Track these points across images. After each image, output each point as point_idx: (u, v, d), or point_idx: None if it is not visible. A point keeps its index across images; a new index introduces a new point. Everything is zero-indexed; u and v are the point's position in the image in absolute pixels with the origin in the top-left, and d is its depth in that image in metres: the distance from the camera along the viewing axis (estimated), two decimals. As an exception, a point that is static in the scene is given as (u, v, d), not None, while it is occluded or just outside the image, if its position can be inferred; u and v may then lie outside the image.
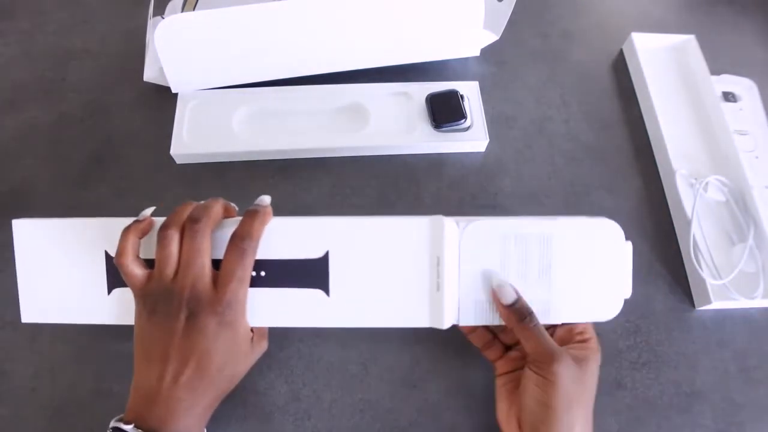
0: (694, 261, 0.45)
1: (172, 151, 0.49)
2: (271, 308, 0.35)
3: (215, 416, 0.40)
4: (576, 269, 0.36)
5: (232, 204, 0.37)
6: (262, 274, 0.35)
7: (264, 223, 0.34)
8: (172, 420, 0.32)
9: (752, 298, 0.44)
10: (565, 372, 0.33)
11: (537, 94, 0.57)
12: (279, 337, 0.43)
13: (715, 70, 0.56)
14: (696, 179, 0.49)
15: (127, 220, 0.35)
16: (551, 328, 0.37)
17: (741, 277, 0.44)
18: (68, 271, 0.37)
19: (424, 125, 0.52)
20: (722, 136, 0.51)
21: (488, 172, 0.52)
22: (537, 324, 0.35)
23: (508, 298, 0.35)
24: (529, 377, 0.34)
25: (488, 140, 0.52)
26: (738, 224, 0.48)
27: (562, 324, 0.37)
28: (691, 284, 0.46)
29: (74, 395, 0.40)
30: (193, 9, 0.54)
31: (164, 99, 0.52)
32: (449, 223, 0.35)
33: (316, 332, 0.43)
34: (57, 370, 0.41)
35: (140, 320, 0.34)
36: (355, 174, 0.51)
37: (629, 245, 0.36)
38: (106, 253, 0.36)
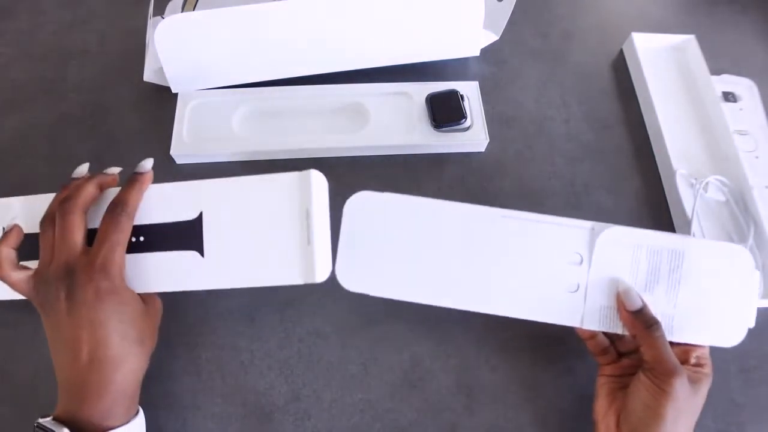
0: (694, 261, 0.45)
1: (172, 151, 0.49)
2: (148, 273, 0.35)
3: (216, 415, 0.40)
4: (704, 290, 0.36)
5: (114, 169, 0.39)
6: (141, 239, 0.36)
7: (141, 190, 0.35)
8: (88, 403, 0.32)
9: (752, 298, 0.44)
10: (681, 387, 0.33)
11: (537, 94, 0.57)
12: (279, 337, 0.43)
13: (715, 70, 0.56)
14: (696, 179, 0.49)
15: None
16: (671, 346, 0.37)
17: (741, 277, 0.44)
18: None
19: (424, 125, 0.52)
20: (722, 136, 0.51)
21: (488, 172, 0.52)
22: (662, 334, 0.35)
23: (635, 304, 0.35)
24: (643, 382, 0.34)
25: (488, 140, 0.52)
26: (738, 224, 0.48)
27: (683, 344, 0.37)
28: (691, 284, 0.46)
29: (74, 395, 0.40)
30: (193, 9, 0.54)
31: (164, 99, 0.52)
32: (316, 174, 0.35)
33: (316, 332, 0.43)
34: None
35: (43, 319, 0.34)
36: (355, 174, 0.51)
37: (758, 275, 0.37)
38: None
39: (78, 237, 0.33)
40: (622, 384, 0.37)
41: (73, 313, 0.32)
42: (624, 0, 0.66)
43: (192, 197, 0.36)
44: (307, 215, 0.34)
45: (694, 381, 0.35)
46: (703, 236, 0.47)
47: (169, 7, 0.56)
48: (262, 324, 0.43)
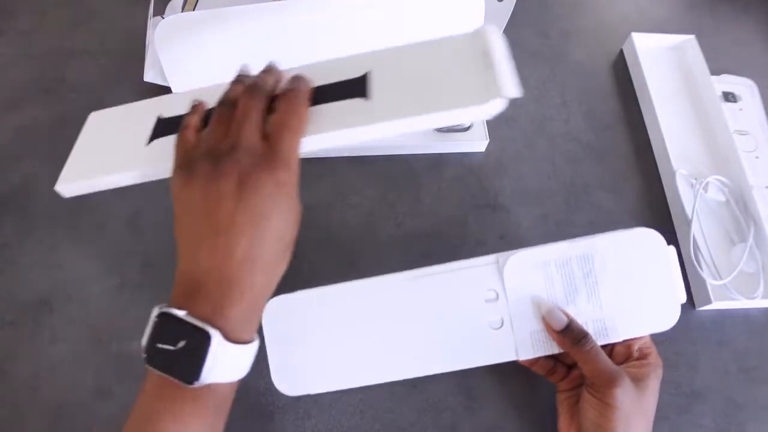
0: (694, 261, 0.45)
1: (172, 151, 0.49)
2: (312, 126, 0.31)
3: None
4: (623, 283, 0.36)
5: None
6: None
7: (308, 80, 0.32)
8: (228, 305, 0.27)
9: (752, 298, 0.44)
10: (624, 395, 0.33)
11: (537, 94, 0.57)
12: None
13: (715, 70, 0.56)
14: (696, 179, 0.49)
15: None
16: (609, 346, 0.37)
17: (741, 277, 0.44)
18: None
19: (424, 125, 0.52)
20: (722, 136, 0.51)
21: (488, 172, 0.52)
22: (593, 346, 0.34)
23: (560, 323, 0.35)
24: (587, 400, 0.34)
25: (488, 140, 0.52)
26: (738, 224, 0.48)
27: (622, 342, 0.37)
28: (691, 284, 0.46)
29: (74, 395, 0.40)
30: (194, 9, 0.54)
31: (164, 99, 0.52)
32: (492, 30, 0.32)
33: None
34: (57, 370, 0.41)
35: (179, 189, 0.29)
36: (356, 174, 0.51)
37: (672, 249, 0.36)
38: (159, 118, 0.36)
39: (260, 122, 0.29)
40: (579, 397, 0.36)
41: (242, 199, 0.27)
42: (624, 0, 0.66)
43: (358, 61, 0.33)
44: (483, 54, 0.30)
45: (639, 378, 0.34)
46: (703, 236, 0.47)
47: (169, 7, 0.56)
48: (262, 324, 0.43)
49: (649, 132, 0.54)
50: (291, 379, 0.37)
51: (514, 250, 0.37)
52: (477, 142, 0.52)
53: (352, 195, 0.50)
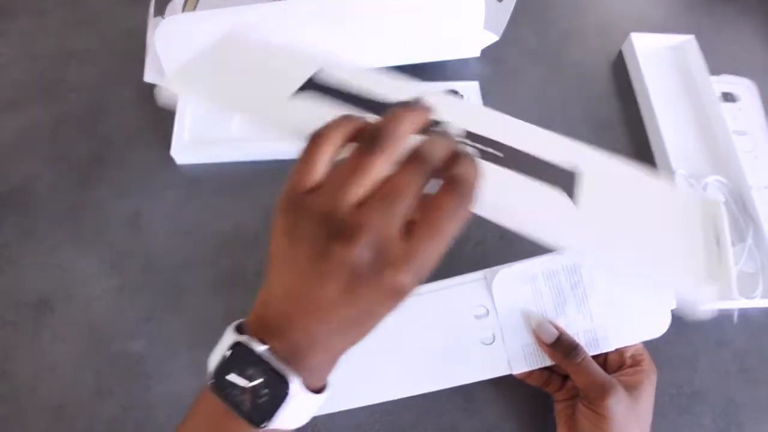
0: (694, 261, 0.45)
1: (172, 152, 0.49)
2: (507, 195, 0.26)
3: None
4: (612, 292, 0.36)
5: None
6: (499, 154, 0.28)
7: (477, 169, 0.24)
8: (312, 354, 0.24)
9: (751, 298, 0.44)
10: (617, 406, 0.32)
11: (537, 94, 0.57)
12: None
13: (714, 70, 0.56)
14: (695, 179, 0.49)
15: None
16: (602, 355, 0.37)
17: (740, 277, 0.44)
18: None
19: (424, 125, 0.52)
20: (721, 136, 0.52)
21: (488, 172, 0.52)
22: (585, 357, 0.34)
23: (550, 336, 0.35)
24: (582, 412, 0.34)
25: (488, 140, 0.52)
26: (737, 224, 0.48)
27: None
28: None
29: (74, 395, 0.40)
30: (194, 9, 0.54)
31: (164, 99, 0.52)
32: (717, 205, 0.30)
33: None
34: (57, 370, 0.41)
35: (280, 233, 0.25)
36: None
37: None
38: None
39: (411, 208, 0.23)
40: (575, 408, 0.36)
41: (350, 293, 0.23)
42: (623, 0, 0.67)
43: (569, 151, 0.30)
44: (717, 242, 0.28)
45: (633, 386, 0.34)
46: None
47: (170, 7, 0.56)
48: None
49: (648, 132, 0.54)
50: None
51: (502, 266, 0.37)
52: (477, 142, 0.52)
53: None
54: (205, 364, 0.40)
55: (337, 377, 0.31)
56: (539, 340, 0.36)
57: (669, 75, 0.58)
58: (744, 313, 0.45)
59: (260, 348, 0.24)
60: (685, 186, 0.49)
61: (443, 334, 0.37)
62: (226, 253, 0.46)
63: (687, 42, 0.58)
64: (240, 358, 0.24)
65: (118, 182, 0.50)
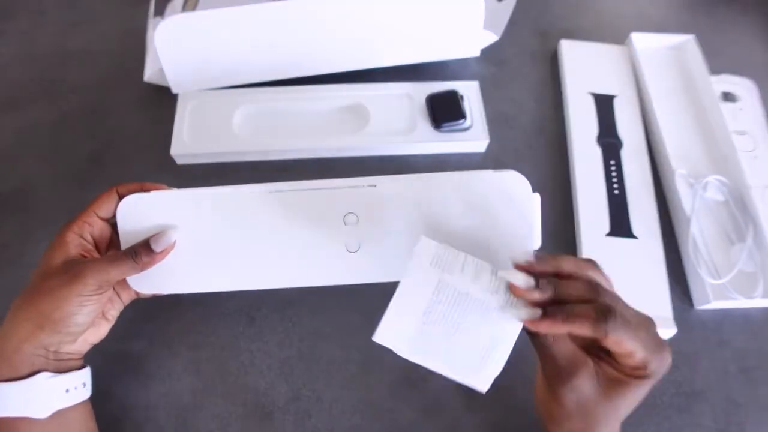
0: (694, 260, 0.45)
1: (172, 152, 0.49)
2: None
3: (216, 415, 0.40)
4: (483, 221, 0.35)
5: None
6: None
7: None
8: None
9: (751, 298, 0.44)
10: (571, 394, 0.31)
11: (537, 94, 0.57)
12: (279, 337, 0.43)
13: (714, 70, 0.56)
14: (695, 179, 0.49)
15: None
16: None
17: (740, 277, 0.44)
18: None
19: (424, 125, 0.52)
20: (721, 136, 0.52)
21: (488, 172, 0.52)
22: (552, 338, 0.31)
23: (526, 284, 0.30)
24: (539, 387, 0.34)
25: (488, 140, 0.52)
26: (737, 224, 0.48)
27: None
28: (690, 284, 0.46)
29: (74, 395, 0.40)
30: (194, 9, 0.54)
31: (164, 99, 0.52)
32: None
33: (316, 332, 0.43)
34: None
35: None
36: (356, 174, 0.50)
37: (537, 196, 0.35)
38: None
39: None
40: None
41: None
42: (623, 0, 0.67)
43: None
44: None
45: (618, 383, 0.31)
46: (702, 235, 0.47)
47: (170, 7, 0.56)
48: (262, 324, 0.43)
49: (648, 132, 0.54)
50: (144, 279, 0.36)
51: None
52: (477, 142, 0.52)
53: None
54: (204, 363, 0.40)
55: (196, 259, 0.36)
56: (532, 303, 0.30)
57: (669, 75, 0.58)
58: (744, 313, 0.45)
59: None
60: (685, 186, 0.49)
61: (310, 234, 0.36)
62: (226, 253, 0.46)
63: (687, 42, 0.58)
64: None
65: (118, 182, 0.49)
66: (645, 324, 0.30)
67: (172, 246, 0.36)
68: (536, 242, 0.35)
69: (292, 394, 0.41)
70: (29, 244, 0.46)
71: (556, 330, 0.29)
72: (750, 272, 0.45)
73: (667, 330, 0.43)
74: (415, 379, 0.42)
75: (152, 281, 0.37)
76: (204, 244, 0.36)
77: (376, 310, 0.44)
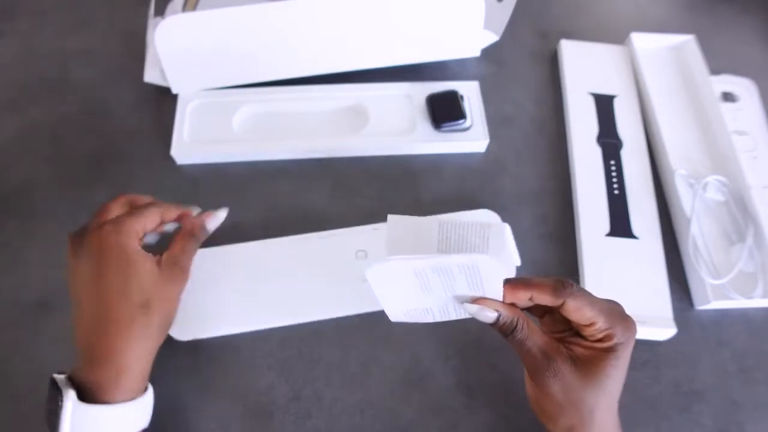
0: (694, 260, 0.45)
1: (173, 152, 0.49)
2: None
3: (216, 415, 0.40)
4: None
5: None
6: None
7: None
8: (95, 369, 0.33)
9: (751, 298, 0.44)
10: (555, 382, 0.31)
11: (537, 94, 0.57)
12: (279, 337, 0.43)
13: (714, 70, 0.56)
14: (695, 179, 0.49)
15: None
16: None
17: (740, 277, 0.44)
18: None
19: (424, 125, 0.52)
20: (721, 136, 0.52)
21: (488, 172, 0.52)
22: (524, 332, 0.31)
23: (488, 319, 0.31)
24: (528, 383, 0.35)
25: (488, 140, 0.52)
26: (737, 224, 0.48)
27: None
28: (690, 284, 0.46)
29: (74, 395, 0.40)
30: (194, 9, 0.54)
31: (164, 99, 0.52)
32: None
33: (316, 332, 0.43)
34: (57, 370, 0.41)
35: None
36: (356, 174, 0.51)
37: (506, 226, 0.45)
38: None
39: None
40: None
41: (77, 269, 0.33)
42: (623, 0, 0.67)
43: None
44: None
45: (590, 362, 0.31)
46: (702, 235, 0.47)
47: (170, 7, 0.56)
48: (262, 324, 0.43)
49: (648, 132, 0.54)
50: (182, 326, 0.41)
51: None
52: (477, 142, 0.52)
53: (352, 195, 0.50)
54: (204, 363, 0.40)
55: (232, 305, 0.42)
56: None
57: (669, 75, 0.58)
58: (743, 313, 0.45)
59: (56, 375, 0.31)
60: (685, 186, 0.49)
61: (326, 271, 0.43)
62: (226, 253, 0.46)
63: (687, 42, 0.58)
64: (50, 387, 0.31)
65: (118, 182, 0.50)
66: (605, 300, 0.31)
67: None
68: (515, 261, 0.44)
69: (292, 394, 0.41)
70: (29, 244, 0.46)
71: (518, 294, 0.30)
72: (750, 272, 0.45)
73: (667, 330, 0.43)
74: (415, 379, 0.42)
75: (194, 329, 0.42)
76: (237, 290, 0.43)
77: (375, 310, 0.44)
